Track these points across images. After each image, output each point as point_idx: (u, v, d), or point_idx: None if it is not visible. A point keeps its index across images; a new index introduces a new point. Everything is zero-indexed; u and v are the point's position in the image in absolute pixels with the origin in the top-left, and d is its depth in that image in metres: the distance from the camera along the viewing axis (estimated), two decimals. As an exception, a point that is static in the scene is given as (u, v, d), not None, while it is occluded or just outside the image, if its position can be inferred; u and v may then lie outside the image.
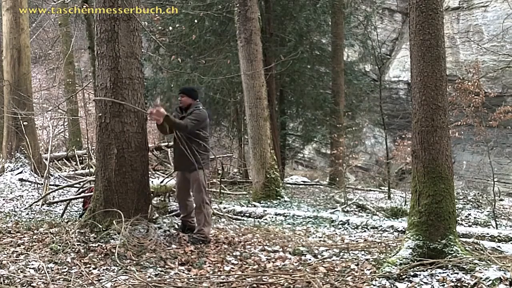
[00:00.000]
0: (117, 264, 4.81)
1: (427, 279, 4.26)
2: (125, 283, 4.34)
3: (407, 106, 21.39)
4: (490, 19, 20.90)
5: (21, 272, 4.54)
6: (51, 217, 7.58)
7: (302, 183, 15.87)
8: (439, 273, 4.32)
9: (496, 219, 9.21)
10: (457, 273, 4.28)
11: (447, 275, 4.27)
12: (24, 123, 12.02)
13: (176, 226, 6.17)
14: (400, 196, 12.73)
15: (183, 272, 4.81)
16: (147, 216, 5.91)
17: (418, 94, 4.75)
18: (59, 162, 14.74)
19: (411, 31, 4.85)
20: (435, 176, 4.66)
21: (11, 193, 10.21)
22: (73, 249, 5.19)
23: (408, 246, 4.67)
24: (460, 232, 6.41)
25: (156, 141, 15.58)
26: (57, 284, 4.31)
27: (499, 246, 5.88)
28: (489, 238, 6.77)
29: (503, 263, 4.42)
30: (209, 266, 5.01)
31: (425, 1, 4.74)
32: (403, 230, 6.62)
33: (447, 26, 20.86)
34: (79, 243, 5.34)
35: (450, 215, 4.67)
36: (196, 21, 13.16)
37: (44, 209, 8.54)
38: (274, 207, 9.34)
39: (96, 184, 6.01)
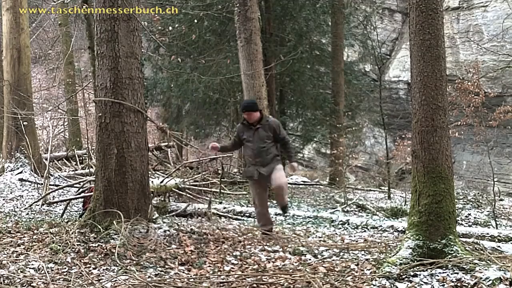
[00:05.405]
0: (117, 264, 4.81)
1: (427, 279, 4.26)
2: (125, 283, 4.34)
3: (407, 106, 21.40)
4: (490, 19, 20.90)
5: (21, 272, 4.54)
6: (51, 217, 7.58)
7: (302, 183, 15.84)
8: (439, 273, 4.32)
9: (496, 219, 9.21)
10: (457, 273, 4.27)
11: (447, 275, 4.26)
12: (24, 123, 12.01)
13: (176, 226, 6.17)
14: (400, 196, 12.72)
15: (183, 272, 4.81)
16: (147, 216, 5.91)
17: (418, 94, 4.75)
18: (59, 162, 14.72)
19: (411, 31, 4.84)
20: (435, 176, 4.66)
21: (11, 193, 10.20)
22: (73, 249, 5.18)
23: (408, 246, 4.67)
24: (460, 232, 6.41)
25: (156, 141, 15.58)
26: (57, 284, 4.31)
27: (499, 246, 5.87)
28: (489, 238, 6.77)
29: (503, 263, 4.42)
30: (209, 266, 5.00)
31: (425, 1, 4.73)
32: (403, 230, 6.62)
33: (447, 26, 20.86)
34: (79, 243, 5.34)
35: (450, 215, 4.67)
36: (195, 21, 13.16)
37: (44, 209, 8.55)
38: (274, 207, 9.33)
39: (96, 184, 6.01)
